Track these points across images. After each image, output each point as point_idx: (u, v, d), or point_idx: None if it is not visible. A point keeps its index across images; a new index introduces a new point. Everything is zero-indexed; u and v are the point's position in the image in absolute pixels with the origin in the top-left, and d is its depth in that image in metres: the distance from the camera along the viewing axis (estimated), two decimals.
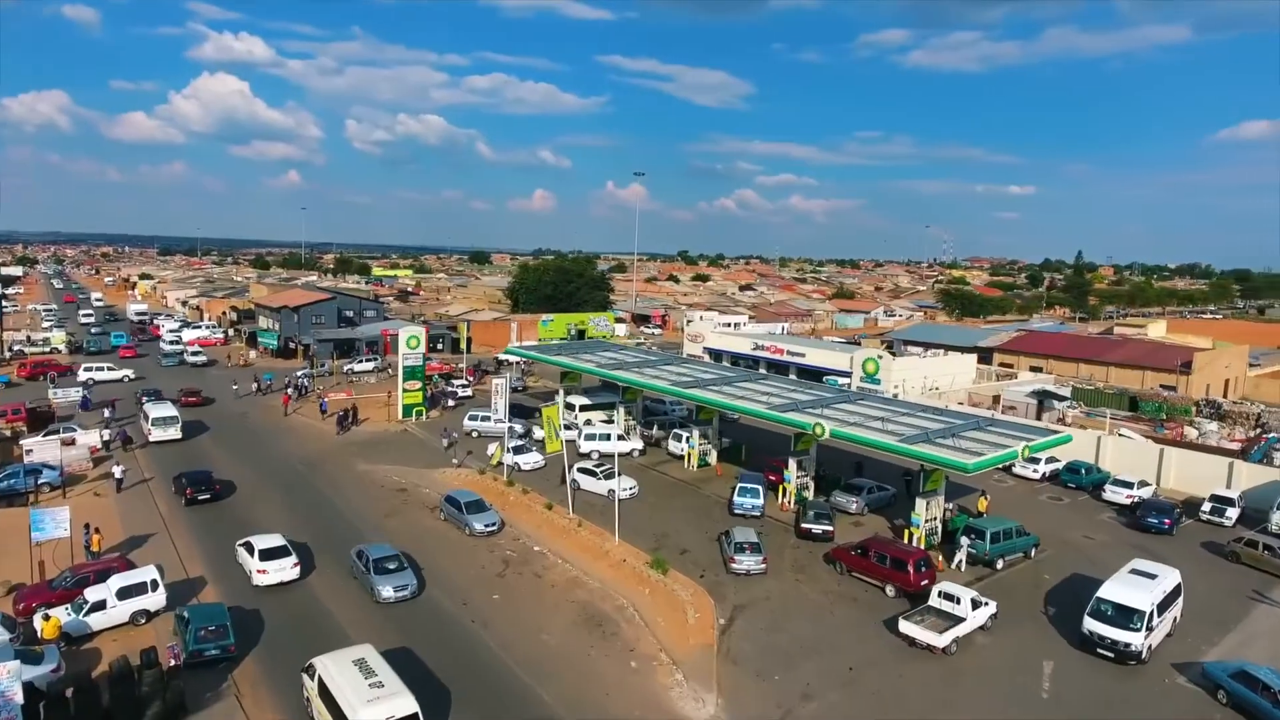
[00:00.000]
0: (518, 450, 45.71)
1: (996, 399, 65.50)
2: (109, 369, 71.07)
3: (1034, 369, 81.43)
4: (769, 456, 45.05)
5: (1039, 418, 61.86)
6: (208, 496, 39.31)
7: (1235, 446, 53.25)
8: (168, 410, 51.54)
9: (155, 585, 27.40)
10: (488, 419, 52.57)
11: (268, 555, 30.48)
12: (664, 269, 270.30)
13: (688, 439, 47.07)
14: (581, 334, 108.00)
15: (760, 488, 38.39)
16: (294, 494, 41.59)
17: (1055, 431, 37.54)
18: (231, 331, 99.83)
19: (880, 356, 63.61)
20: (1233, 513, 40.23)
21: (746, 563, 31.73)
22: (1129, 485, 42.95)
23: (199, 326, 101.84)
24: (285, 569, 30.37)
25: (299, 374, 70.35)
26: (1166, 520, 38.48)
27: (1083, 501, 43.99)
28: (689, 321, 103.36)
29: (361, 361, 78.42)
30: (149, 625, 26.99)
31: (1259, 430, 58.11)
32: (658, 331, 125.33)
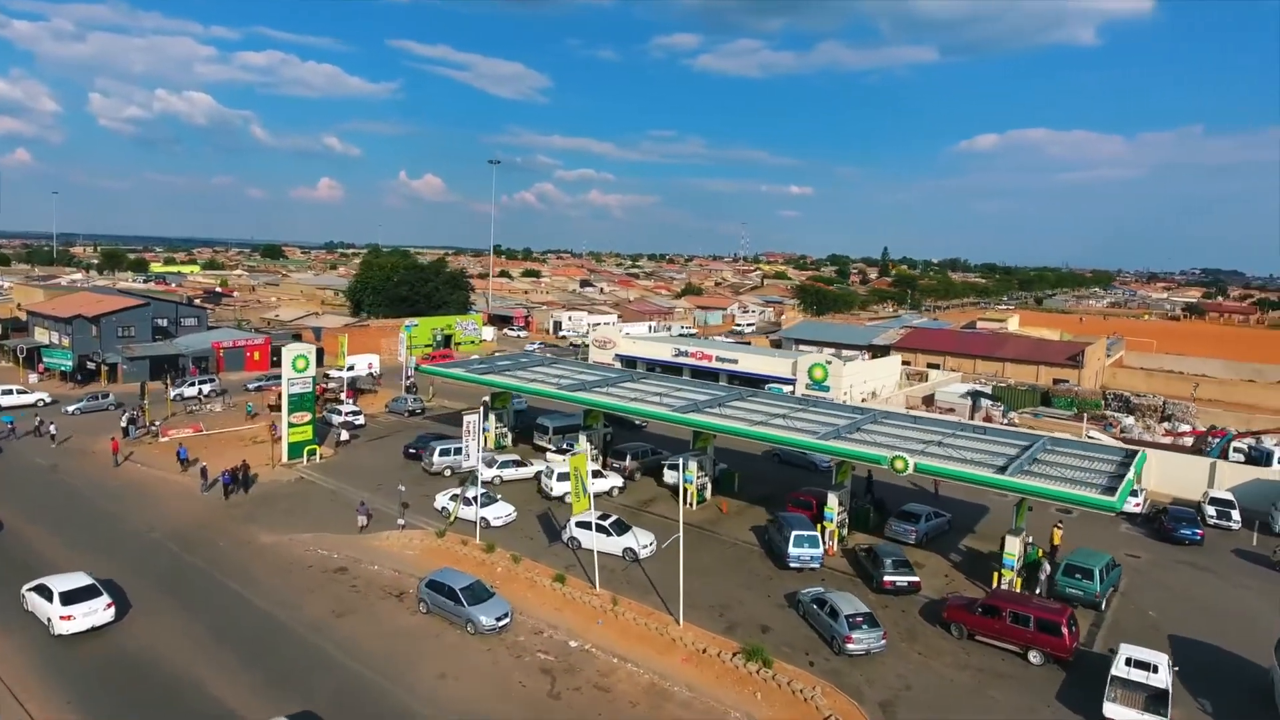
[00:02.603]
0: (483, 501, 36.04)
1: (929, 400, 64.40)
2: (17, 391, 55.23)
3: (931, 366, 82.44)
4: (790, 491, 39.10)
5: (972, 418, 61.31)
6: None
7: (1166, 440, 55.03)
8: None
9: None
10: (459, 451, 41.42)
11: (71, 598, 25.40)
12: (487, 264, 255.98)
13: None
14: (448, 340, 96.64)
15: (817, 534, 32.19)
16: (180, 590, 29.42)
17: (1132, 450, 34.67)
18: None
19: (829, 362, 60.05)
20: (1237, 515, 40.00)
21: (865, 640, 25.47)
22: (1134, 493, 41.68)
23: None
24: (96, 611, 25.68)
25: (89, 402, 55.85)
26: (1199, 531, 37.31)
27: (1089, 512, 42.14)
28: (594, 329, 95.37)
29: (192, 384, 62.85)
30: None
31: (1169, 421, 61.01)
32: (522, 334, 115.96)
